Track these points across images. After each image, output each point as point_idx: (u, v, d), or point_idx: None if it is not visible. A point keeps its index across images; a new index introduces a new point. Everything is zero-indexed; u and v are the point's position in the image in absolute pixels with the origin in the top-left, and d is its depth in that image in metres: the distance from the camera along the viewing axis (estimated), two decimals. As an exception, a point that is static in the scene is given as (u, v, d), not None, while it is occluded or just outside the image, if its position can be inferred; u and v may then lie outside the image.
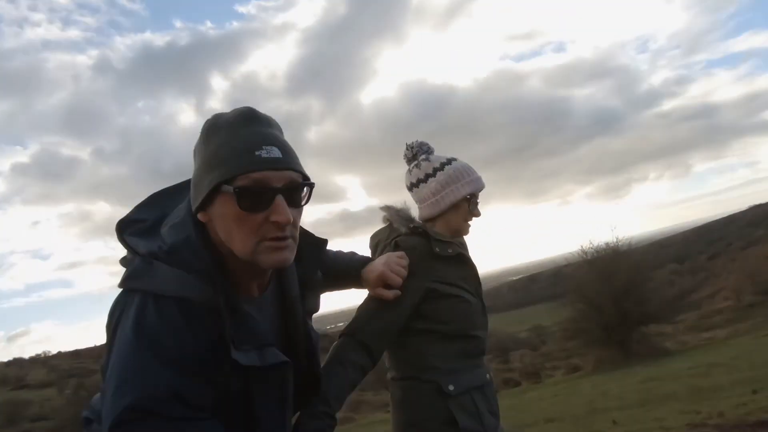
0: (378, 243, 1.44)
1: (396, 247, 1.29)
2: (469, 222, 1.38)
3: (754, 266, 20.30)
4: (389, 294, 1.17)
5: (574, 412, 5.25)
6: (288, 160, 0.72)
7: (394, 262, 1.18)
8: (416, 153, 1.44)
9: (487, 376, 1.36)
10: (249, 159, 0.69)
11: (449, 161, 1.40)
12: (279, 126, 0.78)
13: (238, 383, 0.73)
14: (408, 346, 1.30)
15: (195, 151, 0.74)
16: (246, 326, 0.73)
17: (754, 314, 14.84)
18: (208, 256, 0.71)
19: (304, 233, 0.87)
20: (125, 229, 0.75)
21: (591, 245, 13.46)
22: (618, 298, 11.57)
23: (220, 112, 0.75)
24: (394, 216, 1.39)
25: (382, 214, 1.45)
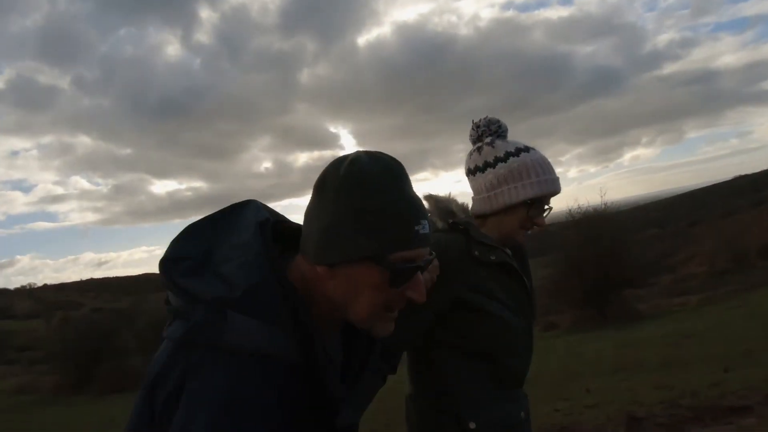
0: None
1: None
2: (527, 229, 1.15)
3: (732, 234, 20.86)
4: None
5: (548, 376, 5.41)
6: (431, 236, 0.69)
7: None
8: (482, 133, 1.19)
9: (522, 414, 1.14)
10: (410, 236, 0.65)
11: (517, 151, 1.13)
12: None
13: None
14: (428, 360, 1.13)
15: (328, 189, 0.66)
16: (338, 386, 0.67)
17: (727, 281, 15.39)
18: (295, 306, 0.63)
19: None
20: (172, 270, 0.64)
21: (578, 207, 13.55)
22: (600, 261, 11.79)
23: (356, 157, 0.67)
24: (433, 207, 1.19)
25: (424, 197, 1.23)
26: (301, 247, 0.68)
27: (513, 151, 1.14)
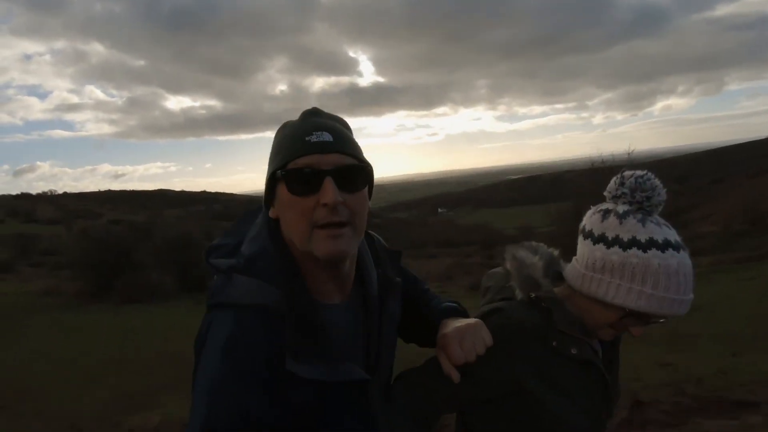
0: (488, 289, 1.07)
1: (490, 316, 0.92)
2: (618, 332, 0.93)
3: (753, 196, 20.17)
4: (447, 368, 0.87)
5: (730, 332, 5.34)
6: (338, 144, 0.72)
7: (471, 336, 0.87)
8: (621, 195, 0.91)
9: None
10: (299, 144, 0.72)
11: (648, 245, 0.85)
12: (346, 123, 0.81)
13: (310, 397, 0.70)
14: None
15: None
16: (321, 335, 0.71)
17: (742, 245, 15.16)
18: (282, 261, 0.72)
19: (381, 244, 0.94)
20: (211, 254, 0.78)
21: (599, 155, 13.04)
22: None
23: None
24: (515, 269, 0.97)
25: (507, 255, 1.04)
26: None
27: (643, 241, 0.85)
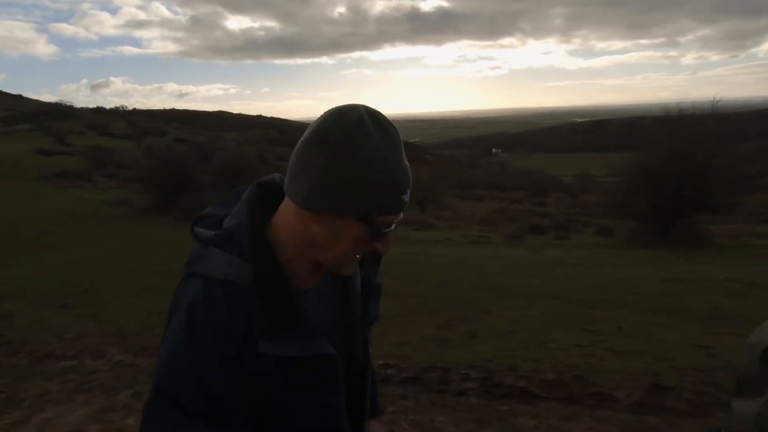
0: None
1: None
2: None
3: None
4: None
5: (582, 293, 5.29)
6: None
7: None
8: None
9: None
10: (398, 202, 0.73)
11: None
12: None
13: (275, 376, 0.72)
14: None
15: (328, 142, 0.71)
16: (293, 314, 0.73)
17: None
18: (260, 240, 0.74)
19: None
20: (197, 223, 0.80)
21: (678, 103, 11.63)
22: (682, 171, 10.54)
23: (360, 117, 0.73)
24: None
25: None
26: (286, 189, 0.75)
27: None
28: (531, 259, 8.68)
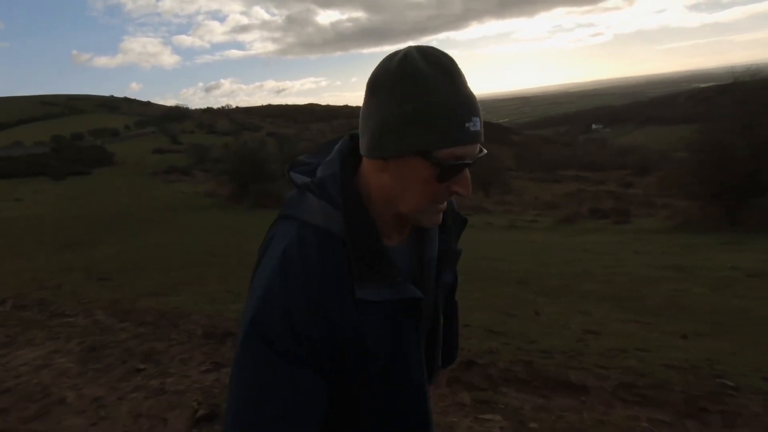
0: None
1: None
2: None
3: None
4: None
5: (544, 283, 5.15)
6: (482, 133, 0.71)
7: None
8: None
9: None
10: (460, 133, 0.68)
11: None
12: None
13: (365, 321, 0.73)
14: None
15: (380, 88, 0.71)
16: (382, 263, 0.73)
17: None
18: (352, 192, 0.74)
19: (452, 208, 0.92)
20: (293, 168, 0.81)
21: (753, 66, 9.92)
22: (754, 150, 9.14)
23: (407, 53, 0.71)
24: None
25: None
26: (360, 147, 0.74)
27: None
28: (542, 245, 8.36)
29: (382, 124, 0.69)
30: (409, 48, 0.71)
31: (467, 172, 0.71)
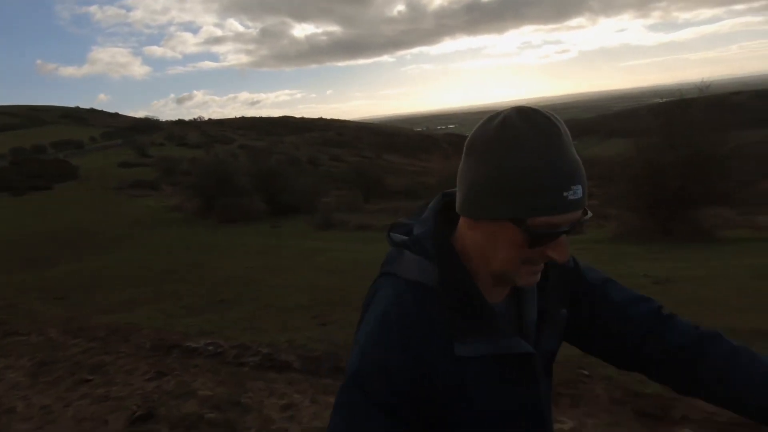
0: None
1: None
2: None
3: None
4: None
5: None
6: (585, 200, 0.67)
7: None
8: None
9: None
10: (555, 202, 0.65)
11: None
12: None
13: (466, 377, 0.71)
14: None
15: (476, 149, 0.71)
16: (483, 314, 0.72)
17: None
18: (445, 245, 0.75)
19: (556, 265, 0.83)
20: (392, 229, 0.84)
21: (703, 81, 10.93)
22: (679, 167, 10.06)
23: (506, 116, 0.70)
24: None
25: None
26: (456, 203, 0.75)
27: None
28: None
29: (475, 185, 0.70)
30: (511, 109, 0.70)
31: (564, 238, 0.68)
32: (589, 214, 0.69)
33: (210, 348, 3.59)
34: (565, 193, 0.64)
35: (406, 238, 0.78)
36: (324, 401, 2.62)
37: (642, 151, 11.02)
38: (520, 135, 0.66)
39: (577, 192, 0.65)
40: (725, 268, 6.03)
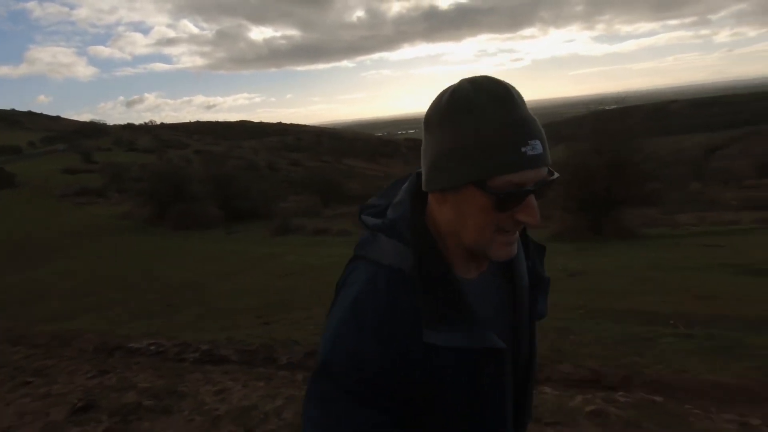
0: None
1: None
2: None
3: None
4: None
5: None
6: (546, 156, 0.67)
7: None
8: None
9: None
10: (513, 159, 0.65)
11: None
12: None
13: (437, 367, 0.71)
14: None
15: (432, 123, 0.71)
16: (456, 303, 0.71)
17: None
18: (421, 228, 0.74)
19: (529, 236, 0.88)
20: (363, 211, 0.82)
21: (715, 81, 11.96)
22: (606, 170, 11.08)
23: (457, 87, 0.70)
24: None
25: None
26: (422, 183, 0.75)
27: None
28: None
29: (435, 158, 0.70)
30: (460, 82, 0.70)
31: (532, 199, 0.68)
32: (556, 174, 0.70)
33: (152, 348, 3.80)
34: (523, 149, 0.65)
35: (379, 221, 0.76)
36: (254, 385, 2.94)
37: (573, 156, 12.00)
38: (471, 100, 0.67)
39: (536, 147, 0.65)
40: (631, 260, 6.84)
